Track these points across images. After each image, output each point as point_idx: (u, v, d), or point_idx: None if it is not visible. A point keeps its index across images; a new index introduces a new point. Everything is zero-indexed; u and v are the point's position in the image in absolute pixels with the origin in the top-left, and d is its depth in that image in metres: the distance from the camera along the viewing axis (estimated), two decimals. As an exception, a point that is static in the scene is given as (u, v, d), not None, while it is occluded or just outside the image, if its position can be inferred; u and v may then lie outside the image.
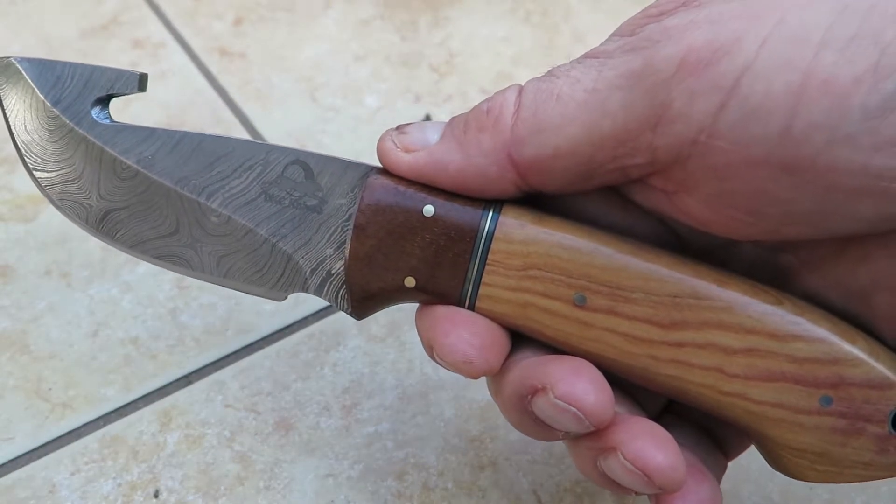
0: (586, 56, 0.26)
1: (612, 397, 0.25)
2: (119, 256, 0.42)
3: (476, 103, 0.51)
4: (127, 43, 0.51)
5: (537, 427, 0.27)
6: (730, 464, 0.30)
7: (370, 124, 0.48)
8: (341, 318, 0.40)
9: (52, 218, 0.43)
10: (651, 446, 0.25)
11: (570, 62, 0.26)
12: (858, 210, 0.24)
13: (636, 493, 0.26)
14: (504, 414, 0.28)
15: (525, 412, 0.26)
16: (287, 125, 0.48)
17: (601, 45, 0.26)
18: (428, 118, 0.48)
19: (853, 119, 0.22)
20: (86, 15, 0.52)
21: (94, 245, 0.42)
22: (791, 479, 0.35)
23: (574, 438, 0.27)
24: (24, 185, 0.44)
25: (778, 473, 0.36)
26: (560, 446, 0.36)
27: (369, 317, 0.40)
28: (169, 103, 0.48)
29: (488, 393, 0.38)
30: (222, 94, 0.49)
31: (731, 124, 0.23)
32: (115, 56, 0.50)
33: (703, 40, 0.23)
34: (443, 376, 0.38)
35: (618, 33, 0.26)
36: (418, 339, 0.39)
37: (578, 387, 0.25)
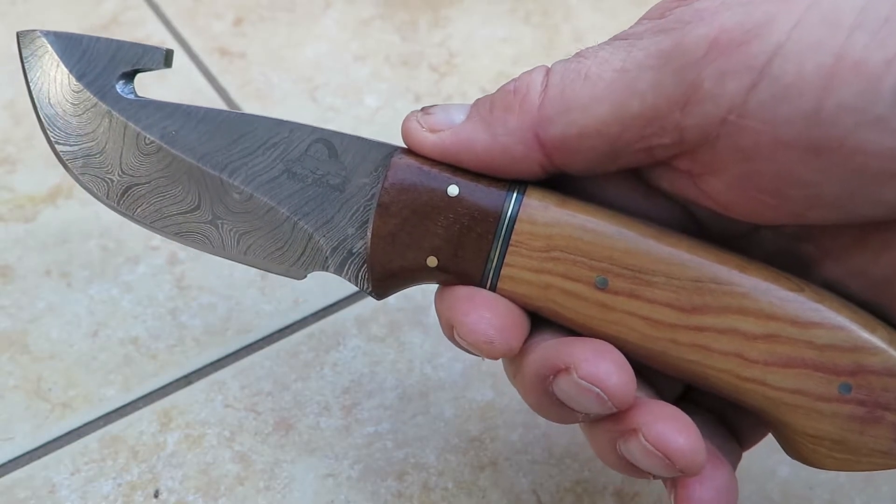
0: (615, 38, 0.26)
1: (634, 379, 0.26)
2: (119, 256, 0.42)
3: (476, 103, 0.51)
4: (127, 43, 0.51)
5: (557, 409, 0.27)
6: (730, 464, 0.30)
7: (370, 124, 0.48)
8: (341, 318, 0.40)
9: (52, 218, 0.43)
10: (673, 429, 0.25)
11: (599, 44, 0.26)
12: (884, 194, 0.24)
13: (654, 477, 0.26)
14: (523, 396, 0.28)
15: (545, 393, 0.26)
16: (287, 125, 0.48)
17: (630, 27, 0.26)
18: (428, 118, 0.48)
19: (883, 102, 0.22)
20: (86, 15, 0.52)
21: (94, 245, 0.42)
22: (791, 480, 0.36)
23: (593, 422, 0.27)
24: (24, 185, 0.44)
25: (778, 473, 0.36)
26: (560, 446, 0.36)
27: (369, 317, 0.40)
28: (169, 103, 0.48)
29: (488, 393, 0.38)
30: (222, 94, 0.49)
31: (761, 104, 0.23)
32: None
33: (735, 21, 0.23)
34: (443, 376, 0.38)
35: (647, 17, 0.26)
36: (418, 339, 0.39)
37: (602, 367, 0.25)
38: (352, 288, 0.30)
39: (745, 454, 0.31)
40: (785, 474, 0.36)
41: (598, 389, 0.25)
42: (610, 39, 0.26)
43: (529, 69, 0.27)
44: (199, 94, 0.49)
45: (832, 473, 0.36)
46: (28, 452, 0.36)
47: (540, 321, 0.28)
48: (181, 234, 0.30)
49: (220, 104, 0.48)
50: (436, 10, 0.54)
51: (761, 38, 0.23)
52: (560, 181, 0.28)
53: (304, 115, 0.48)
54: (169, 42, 0.51)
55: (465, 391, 0.38)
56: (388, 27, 0.53)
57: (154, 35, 0.51)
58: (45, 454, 0.36)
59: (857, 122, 0.23)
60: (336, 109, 0.49)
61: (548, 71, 0.26)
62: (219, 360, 0.39)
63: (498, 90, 0.27)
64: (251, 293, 0.41)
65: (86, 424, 0.37)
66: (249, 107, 0.48)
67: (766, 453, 0.30)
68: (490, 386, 0.38)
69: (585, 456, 0.36)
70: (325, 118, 0.48)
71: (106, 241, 0.42)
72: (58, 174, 0.44)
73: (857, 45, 0.22)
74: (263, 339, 0.40)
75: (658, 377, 0.29)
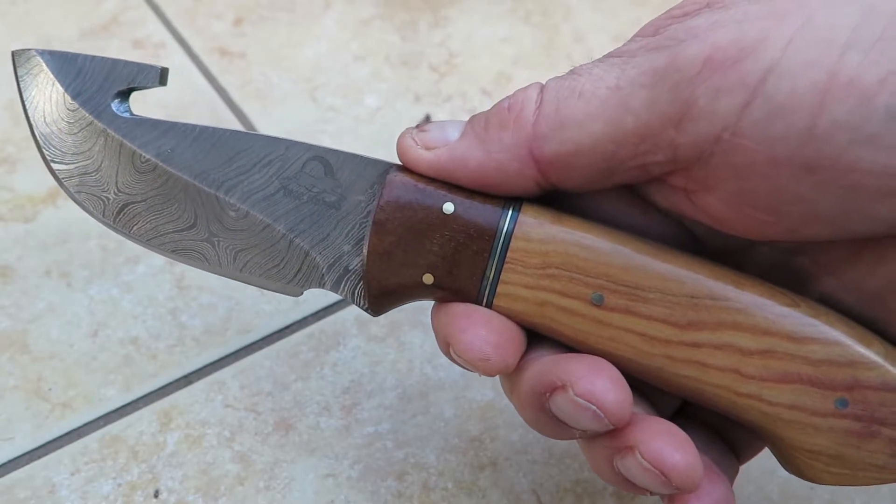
0: (609, 55, 0.26)
1: (630, 396, 0.26)
2: (119, 256, 0.42)
3: (476, 103, 0.51)
4: (127, 43, 0.51)
5: (554, 425, 0.27)
6: (730, 464, 0.30)
7: (370, 124, 0.48)
8: (341, 318, 0.40)
9: (52, 218, 0.43)
10: (669, 446, 0.25)
11: (593, 61, 0.26)
12: (879, 211, 0.24)
13: (651, 493, 0.26)
14: (520, 412, 0.28)
15: (542, 410, 0.26)
16: (287, 125, 0.48)
17: (623, 45, 0.26)
18: (428, 118, 0.48)
19: (876, 119, 0.22)
20: (86, 15, 0.52)
21: (94, 245, 0.42)
22: (791, 480, 0.36)
23: (589, 437, 0.27)
24: (24, 185, 0.44)
25: (778, 474, 0.36)
26: (560, 447, 0.36)
27: (369, 317, 0.40)
28: (169, 103, 0.48)
29: (488, 393, 0.38)
30: (222, 94, 0.49)
31: (755, 122, 0.23)
32: (115, 56, 0.50)
33: (729, 39, 0.24)
34: (442, 376, 0.38)
35: (640, 34, 0.26)
36: (418, 339, 0.39)
37: (598, 385, 0.25)
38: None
39: (745, 454, 0.31)
40: (785, 474, 0.36)
41: (594, 407, 0.25)
42: (604, 56, 0.26)
43: (524, 86, 0.27)
44: (199, 94, 0.49)
45: (832, 473, 0.36)
46: (28, 452, 0.36)
47: (536, 337, 0.28)
48: (177, 252, 0.30)
49: (220, 104, 0.48)
50: (436, 10, 0.54)
51: (755, 56, 0.23)
52: (556, 197, 0.28)
53: (304, 115, 0.48)
54: (169, 42, 0.51)
55: (465, 391, 0.38)
56: (388, 27, 0.53)
57: (154, 35, 0.51)
58: (45, 454, 0.36)
59: (850, 140, 0.23)
60: (336, 109, 0.49)
61: (542, 88, 0.26)
62: (219, 360, 0.39)
63: (492, 107, 0.27)
64: (251, 293, 0.41)
65: (86, 424, 0.37)
66: (249, 107, 0.48)
67: (765, 454, 0.30)
68: (490, 386, 0.38)
69: (585, 456, 0.36)
70: (325, 118, 0.48)
71: (106, 241, 0.42)
72: (58, 174, 0.44)
73: (851, 64, 0.22)
74: (263, 339, 0.40)
75: (654, 392, 0.29)
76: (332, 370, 0.39)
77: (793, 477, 0.35)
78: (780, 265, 0.28)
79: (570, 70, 0.26)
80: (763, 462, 0.31)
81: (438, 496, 0.35)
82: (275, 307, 0.40)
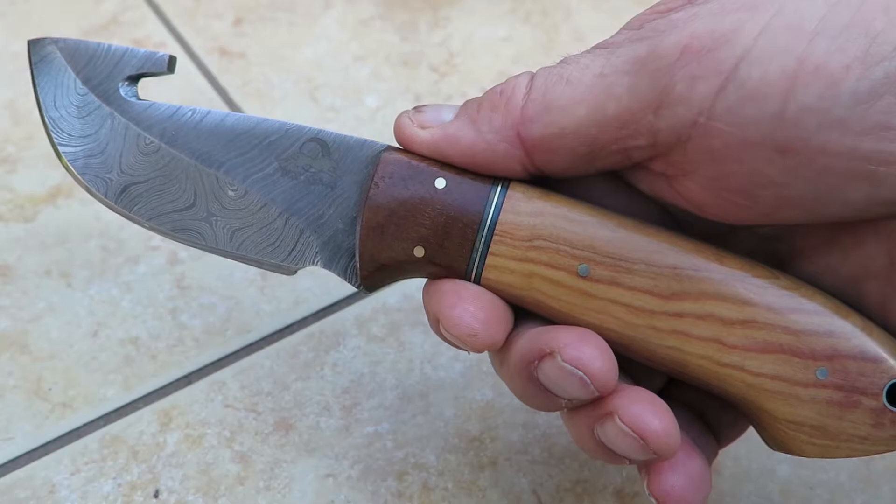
0: (597, 46, 0.27)
1: (616, 364, 0.26)
2: (119, 256, 0.42)
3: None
4: (127, 43, 0.51)
5: (541, 395, 0.27)
6: (730, 463, 0.30)
7: (370, 124, 0.48)
8: (341, 318, 0.40)
9: (52, 218, 0.43)
10: (648, 412, 0.26)
11: (582, 52, 0.28)
12: (849, 194, 0.25)
13: (630, 461, 0.27)
14: (508, 383, 0.29)
15: (530, 379, 0.27)
16: (287, 125, 0.48)
17: (611, 37, 0.27)
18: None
19: (844, 103, 0.23)
20: (86, 15, 0.52)
21: (94, 245, 0.42)
22: (791, 480, 0.36)
23: (573, 409, 0.28)
24: (24, 185, 0.44)
25: (777, 474, 0.36)
26: (560, 446, 0.36)
27: (369, 317, 0.40)
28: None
29: (488, 393, 0.38)
30: (222, 94, 0.49)
31: (728, 107, 0.24)
32: (115, 56, 0.50)
33: (705, 29, 0.25)
34: (443, 376, 0.38)
35: (626, 27, 0.27)
36: (418, 340, 0.39)
37: (585, 352, 0.26)
38: (352, 288, 0.31)
39: (745, 452, 0.31)
40: (785, 474, 0.36)
41: (581, 373, 0.26)
42: (592, 48, 0.27)
43: (516, 74, 0.28)
44: (200, 94, 0.49)
45: (832, 473, 0.36)
46: (28, 452, 0.36)
47: (524, 315, 0.29)
48: (176, 231, 0.30)
49: (220, 104, 0.48)
50: (436, 10, 0.54)
51: (729, 44, 0.24)
52: (545, 184, 0.29)
53: (304, 114, 0.48)
54: (169, 42, 0.51)
55: (465, 391, 0.38)
56: (388, 27, 0.53)
57: (154, 35, 0.51)
58: (45, 454, 0.36)
59: (819, 123, 0.24)
60: (336, 109, 0.49)
61: (532, 75, 0.28)
62: (219, 360, 0.39)
63: (486, 92, 0.28)
64: (251, 293, 0.41)
65: (86, 424, 0.37)
66: (249, 107, 0.48)
67: (766, 453, 0.30)
68: (490, 386, 0.38)
69: (585, 456, 0.36)
70: (325, 118, 0.48)
71: (106, 241, 0.42)
72: (58, 174, 0.44)
73: (819, 51, 0.24)
74: (263, 339, 0.40)
75: (639, 371, 0.29)
76: (332, 370, 0.39)
77: (793, 476, 0.36)
78: (760, 250, 0.29)
79: (561, 59, 0.28)
80: (763, 462, 0.31)
81: (438, 496, 0.35)
82: (275, 307, 0.40)
